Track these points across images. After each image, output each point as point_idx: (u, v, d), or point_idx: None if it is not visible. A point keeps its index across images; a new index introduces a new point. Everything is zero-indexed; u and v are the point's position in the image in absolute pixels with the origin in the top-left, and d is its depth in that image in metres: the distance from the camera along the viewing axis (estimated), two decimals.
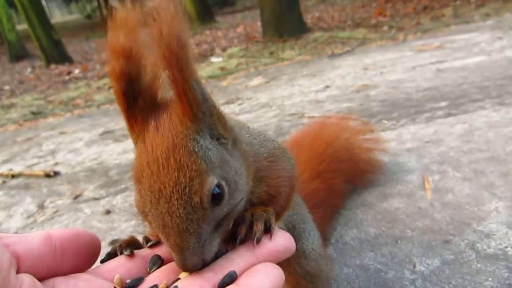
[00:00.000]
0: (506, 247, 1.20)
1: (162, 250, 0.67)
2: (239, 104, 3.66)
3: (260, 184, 0.72)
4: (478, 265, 1.15)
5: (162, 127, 0.58)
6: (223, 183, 0.58)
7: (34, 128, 4.45)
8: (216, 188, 0.56)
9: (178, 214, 0.54)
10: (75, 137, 3.60)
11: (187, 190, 0.54)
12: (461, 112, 2.35)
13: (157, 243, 0.69)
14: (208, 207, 0.56)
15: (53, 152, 3.28)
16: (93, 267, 0.64)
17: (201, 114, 0.58)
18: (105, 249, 1.60)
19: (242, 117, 3.21)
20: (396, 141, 2.11)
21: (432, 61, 3.75)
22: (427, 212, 1.44)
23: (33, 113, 5.38)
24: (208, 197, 0.55)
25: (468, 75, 3.10)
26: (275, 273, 0.57)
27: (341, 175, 1.60)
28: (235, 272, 0.57)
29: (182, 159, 0.55)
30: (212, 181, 0.56)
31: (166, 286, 0.58)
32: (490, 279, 1.10)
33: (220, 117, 0.63)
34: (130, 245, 0.68)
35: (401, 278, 1.17)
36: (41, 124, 4.62)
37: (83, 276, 0.61)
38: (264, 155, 0.75)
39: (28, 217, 2.14)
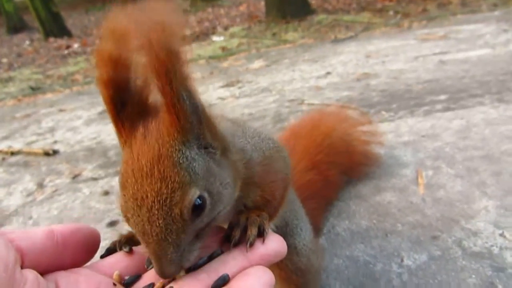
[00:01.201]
0: (491, 246, 1.24)
1: None
2: (239, 87, 3.65)
3: (255, 190, 0.74)
4: (464, 262, 1.19)
5: (150, 135, 0.58)
6: (206, 195, 0.59)
7: (33, 104, 4.45)
8: (198, 200, 0.57)
9: (158, 224, 0.55)
10: (74, 115, 3.61)
11: (168, 201, 0.55)
12: (460, 107, 2.36)
13: None
14: (188, 219, 0.57)
15: (52, 130, 3.29)
16: (92, 261, 0.67)
17: (189, 125, 0.58)
18: (103, 230, 1.63)
19: (242, 101, 3.22)
20: (393, 133, 2.13)
21: (435, 51, 3.73)
22: (418, 207, 1.47)
23: (32, 88, 5.36)
24: (189, 209, 0.56)
25: (470, 68, 3.09)
26: (266, 277, 0.60)
27: (337, 166, 1.63)
28: (227, 275, 0.60)
29: (165, 170, 0.56)
30: (194, 193, 0.57)
31: (162, 285, 0.61)
32: (473, 276, 1.14)
33: (210, 126, 0.62)
34: (129, 241, 0.70)
35: (388, 271, 1.21)
36: (40, 100, 4.62)
37: (83, 271, 0.63)
38: (258, 160, 0.75)
39: (28, 195, 2.18)
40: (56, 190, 2.18)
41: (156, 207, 0.55)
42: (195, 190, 0.57)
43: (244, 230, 0.66)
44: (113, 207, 1.86)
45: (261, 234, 0.66)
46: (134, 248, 0.70)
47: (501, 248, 1.22)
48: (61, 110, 3.89)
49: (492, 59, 3.21)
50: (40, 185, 2.28)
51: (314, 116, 1.86)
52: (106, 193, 2.02)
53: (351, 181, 1.70)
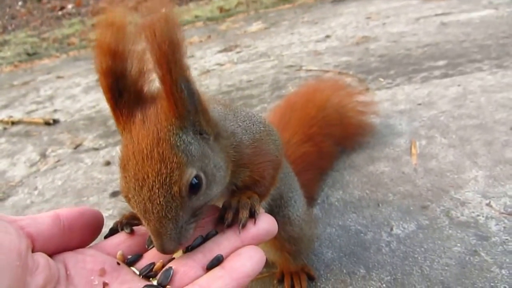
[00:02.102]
0: (478, 215, 1.29)
1: None
2: (237, 52, 3.62)
3: (244, 170, 0.78)
4: (450, 231, 1.25)
5: (148, 120, 0.62)
6: (202, 175, 0.63)
7: (30, 71, 4.43)
8: (195, 179, 0.62)
9: (158, 202, 0.59)
10: (72, 83, 3.61)
11: (167, 181, 0.59)
12: (458, 73, 2.36)
13: None
14: (186, 196, 0.61)
15: (51, 98, 3.31)
16: (97, 241, 0.72)
17: (186, 113, 0.62)
18: (107, 200, 1.69)
19: (240, 67, 3.21)
20: (390, 101, 2.15)
21: (437, 12, 3.65)
22: (410, 178, 1.52)
23: (28, 54, 5.30)
24: (186, 187, 0.61)
25: (472, 31, 3.04)
26: (257, 257, 0.65)
27: (331, 138, 1.66)
28: (222, 256, 0.65)
29: (164, 152, 0.60)
30: (191, 172, 0.61)
31: (162, 264, 0.66)
32: (458, 245, 1.20)
33: (204, 113, 0.66)
34: (130, 222, 0.75)
35: (378, 240, 1.27)
36: (37, 67, 4.59)
37: (89, 251, 0.68)
38: (248, 142, 0.79)
39: (31, 165, 2.23)
40: (59, 161, 2.23)
41: (157, 186, 0.59)
42: (192, 170, 0.61)
43: (236, 213, 0.70)
44: (115, 178, 1.92)
45: (252, 215, 0.70)
46: (135, 228, 0.75)
47: (486, 218, 1.28)
48: (58, 77, 3.88)
49: (494, 21, 3.15)
50: (43, 155, 2.33)
51: (309, 87, 1.87)
52: (108, 163, 2.07)
53: (346, 151, 1.74)
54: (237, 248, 0.67)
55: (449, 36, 3.02)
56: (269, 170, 0.84)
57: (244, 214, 0.69)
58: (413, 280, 1.11)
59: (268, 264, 1.21)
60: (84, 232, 0.69)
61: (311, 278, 1.16)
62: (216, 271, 0.63)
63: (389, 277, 1.13)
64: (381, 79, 2.45)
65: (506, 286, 1.05)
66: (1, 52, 6.39)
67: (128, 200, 0.63)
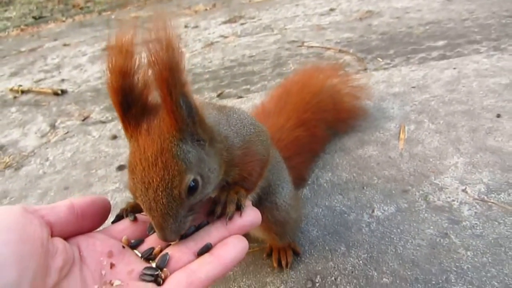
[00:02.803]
0: (453, 200, 1.40)
1: None
2: (241, 24, 3.64)
3: (234, 169, 0.89)
4: (426, 215, 1.37)
5: (153, 131, 0.71)
6: (198, 178, 0.73)
7: (37, 36, 4.47)
8: (192, 183, 0.72)
9: (162, 202, 0.70)
10: (78, 51, 3.67)
11: (169, 185, 0.69)
12: (455, 55, 2.40)
13: None
14: (185, 197, 0.72)
15: (58, 67, 3.38)
16: (105, 226, 0.84)
17: (185, 126, 0.71)
18: (113, 174, 1.80)
19: (243, 41, 3.25)
20: (385, 83, 2.21)
21: None
22: (395, 162, 1.62)
23: (34, 17, 5.31)
24: (185, 190, 0.71)
25: (476, 9, 3.05)
26: (241, 245, 0.77)
27: (324, 123, 1.73)
28: (211, 244, 0.77)
29: (167, 161, 0.69)
30: (189, 178, 0.71)
31: (160, 249, 0.78)
32: (431, 227, 1.32)
33: (201, 123, 0.75)
34: (134, 210, 0.87)
35: (359, 221, 1.39)
36: (44, 32, 4.62)
37: (98, 235, 0.79)
38: (239, 144, 0.89)
39: (42, 136, 2.35)
40: (67, 132, 2.35)
41: (160, 189, 0.69)
42: (190, 175, 0.71)
43: (225, 206, 0.82)
44: (121, 152, 2.04)
45: (238, 209, 0.82)
46: (138, 216, 0.86)
47: (461, 203, 1.39)
48: (65, 45, 3.93)
49: None
50: (53, 126, 2.45)
51: (306, 72, 1.92)
52: (114, 137, 2.18)
53: (338, 134, 1.84)
54: (225, 237, 0.78)
55: (452, 14, 3.03)
56: (256, 168, 0.95)
57: (231, 208, 0.81)
58: (387, 258, 1.24)
59: (259, 240, 1.35)
60: (94, 218, 0.79)
61: (296, 254, 1.29)
62: (205, 257, 0.75)
63: (366, 255, 1.26)
64: (380, 59, 2.50)
65: (469, 266, 1.18)
66: (6, 12, 6.38)
67: (136, 198, 0.74)
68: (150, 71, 0.69)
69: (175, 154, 0.70)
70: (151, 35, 0.68)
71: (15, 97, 2.94)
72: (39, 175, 1.99)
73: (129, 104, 0.72)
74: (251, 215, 0.83)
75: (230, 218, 0.80)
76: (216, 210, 0.81)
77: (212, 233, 0.79)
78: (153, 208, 0.71)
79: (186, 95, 0.69)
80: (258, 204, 1.12)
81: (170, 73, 0.66)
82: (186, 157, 0.71)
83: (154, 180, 0.69)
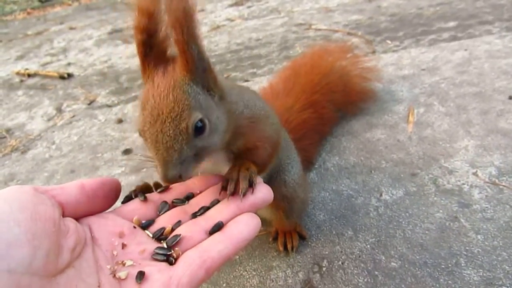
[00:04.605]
0: (463, 184, 1.38)
1: (168, 196, 0.86)
2: (248, 7, 3.58)
3: (239, 138, 0.89)
4: (435, 198, 1.35)
5: (168, 73, 0.75)
6: (206, 120, 0.75)
7: (43, 19, 4.45)
8: (199, 122, 0.73)
9: (168, 134, 0.71)
10: (84, 35, 3.64)
11: (178, 117, 0.71)
12: (467, 36, 2.34)
13: (165, 189, 0.88)
14: (191, 134, 0.73)
15: (64, 51, 3.37)
16: (115, 207, 0.83)
17: (196, 69, 0.74)
18: (119, 157, 1.80)
19: (250, 24, 3.20)
20: (394, 66, 2.17)
21: None
22: (403, 145, 1.59)
23: (40, 1, 5.28)
24: (193, 125, 0.72)
25: None
26: (254, 223, 0.75)
27: (333, 104, 1.71)
28: (222, 222, 0.75)
29: (178, 96, 0.72)
30: (197, 115, 0.73)
31: (171, 228, 0.77)
32: (441, 211, 1.30)
33: (212, 75, 0.78)
34: (144, 191, 0.86)
35: (367, 205, 1.38)
36: (50, 15, 4.60)
37: (109, 215, 0.79)
38: (247, 115, 0.90)
39: (48, 120, 2.35)
40: (74, 116, 2.34)
41: (169, 120, 0.71)
42: (198, 113, 0.73)
43: (237, 183, 0.81)
44: (127, 136, 2.04)
45: (251, 185, 0.81)
46: (148, 196, 0.85)
47: (471, 186, 1.37)
48: (71, 28, 3.91)
49: None
50: (59, 110, 2.45)
51: (315, 53, 1.89)
52: (120, 121, 2.18)
53: (346, 117, 1.81)
54: (236, 215, 0.77)
55: None
56: (265, 146, 0.94)
57: (244, 184, 0.80)
58: (395, 242, 1.23)
59: (265, 223, 1.34)
60: (104, 199, 0.78)
61: (302, 238, 1.28)
62: (217, 236, 0.74)
63: (373, 239, 1.25)
64: (389, 41, 2.45)
65: (479, 250, 1.16)
66: None
67: (143, 133, 0.75)
68: (166, 16, 0.73)
69: (186, 91, 0.73)
70: None
71: (21, 81, 2.93)
72: (45, 158, 1.99)
73: (151, 46, 0.77)
74: (262, 192, 0.82)
75: (244, 195, 0.79)
76: (230, 188, 0.80)
77: (223, 211, 0.78)
78: (159, 141, 0.72)
79: (198, 45, 0.73)
80: (267, 181, 1.11)
81: (183, 15, 0.69)
82: (196, 97, 0.74)
83: (164, 111, 0.72)
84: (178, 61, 0.74)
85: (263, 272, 1.22)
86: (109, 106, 2.38)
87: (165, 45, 0.78)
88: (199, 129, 0.73)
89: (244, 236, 0.73)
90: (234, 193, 0.80)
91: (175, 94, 0.72)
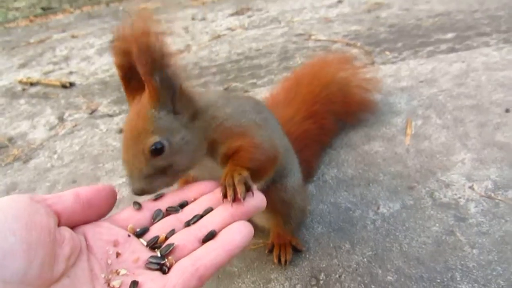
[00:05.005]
0: (459, 197, 1.40)
1: (163, 204, 0.87)
2: (249, 16, 3.61)
3: (221, 146, 0.95)
4: (431, 212, 1.37)
5: (139, 101, 0.86)
6: (166, 143, 0.83)
7: (45, 27, 4.48)
8: (158, 144, 0.82)
9: (131, 155, 0.83)
10: (86, 43, 3.67)
11: (137, 140, 0.82)
12: (464, 47, 2.37)
13: (160, 197, 0.90)
14: (148, 155, 0.82)
15: (66, 59, 3.40)
16: (110, 215, 0.83)
17: (160, 96, 0.82)
18: (120, 167, 1.80)
19: (250, 33, 3.23)
20: (393, 77, 2.19)
21: None
22: (401, 158, 1.61)
23: (42, 8, 5.32)
24: (148, 148, 0.82)
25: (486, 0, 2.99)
26: (246, 230, 0.77)
27: (333, 115, 1.74)
28: (215, 230, 0.77)
29: (140, 121, 0.83)
30: (154, 138, 0.82)
31: (165, 237, 0.79)
32: (437, 225, 1.32)
33: (181, 98, 0.86)
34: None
35: (365, 218, 1.39)
36: (52, 23, 4.63)
37: (104, 224, 0.79)
38: (227, 125, 0.95)
39: (50, 129, 2.38)
40: (76, 125, 2.37)
41: (131, 143, 0.83)
42: (156, 136, 0.82)
43: (234, 189, 0.83)
44: None
45: (248, 189, 0.83)
46: (143, 204, 0.87)
47: (467, 200, 1.38)
48: (73, 36, 3.94)
49: None
50: (61, 119, 2.47)
51: (316, 63, 1.91)
52: (121, 131, 2.19)
53: (344, 128, 1.83)
54: (229, 223, 0.78)
55: (462, 5, 2.98)
56: (249, 149, 0.95)
57: (241, 188, 0.81)
58: (391, 255, 1.24)
59: (263, 235, 1.36)
60: (101, 207, 0.79)
61: (298, 250, 1.30)
62: (210, 244, 0.75)
63: (370, 252, 1.27)
64: (388, 53, 2.48)
65: (474, 264, 1.17)
66: (16, 2, 6.40)
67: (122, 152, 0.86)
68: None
69: (147, 117, 0.83)
70: (135, 24, 0.81)
71: (24, 89, 2.96)
72: (47, 168, 2.01)
73: (131, 78, 0.86)
74: (255, 199, 0.84)
75: (244, 198, 0.81)
76: (229, 193, 0.82)
77: (216, 219, 0.80)
78: (125, 160, 0.85)
79: (165, 74, 0.81)
80: (269, 186, 1.15)
81: (145, 51, 0.78)
82: (156, 122, 0.83)
83: (129, 135, 0.85)
84: (147, 90, 0.84)
85: (261, 285, 1.23)
86: (110, 115, 2.40)
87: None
88: (156, 151, 0.82)
89: (236, 244, 0.75)
90: (235, 199, 0.82)
91: (139, 120, 0.83)
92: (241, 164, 0.92)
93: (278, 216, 1.24)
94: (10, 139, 2.34)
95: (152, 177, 0.84)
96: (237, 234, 0.76)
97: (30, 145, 2.26)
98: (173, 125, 0.85)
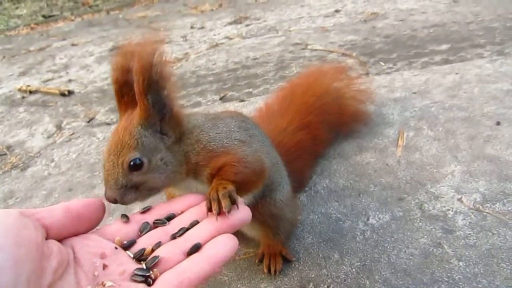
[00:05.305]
0: (448, 210, 1.41)
1: (150, 217, 0.89)
2: (246, 25, 3.65)
3: (205, 169, 0.98)
4: (420, 224, 1.38)
5: (129, 117, 0.89)
6: (145, 160, 0.87)
7: (46, 35, 4.53)
8: (136, 160, 0.86)
9: (111, 164, 0.86)
10: (86, 51, 3.72)
11: (118, 153, 0.86)
12: (458, 59, 2.40)
13: (148, 209, 0.92)
14: (126, 169, 0.86)
15: (66, 67, 3.44)
16: (99, 227, 0.85)
17: (149, 116, 0.87)
18: None
19: (248, 42, 3.27)
20: (387, 88, 2.22)
21: None
22: (392, 169, 1.63)
23: (43, 16, 5.38)
24: (127, 162, 0.86)
25: (481, 11, 3.03)
26: (231, 244, 0.79)
27: (327, 125, 1.75)
28: (200, 243, 0.79)
29: (124, 135, 0.87)
30: (134, 154, 0.86)
31: (151, 250, 0.81)
32: (425, 237, 1.33)
33: (170, 121, 0.90)
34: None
35: (354, 228, 1.41)
36: (53, 31, 4.69)
37: (92, 236, 0.81)
38: (212, 147, 0.98)
39: (48, 137, 2.40)
40: (73, 134, 2.40)
41: (113, 154, 0.87)
42: (136, 153, 0.86)
43: (219, 202, 0.84)
44: None
45: (233, 202, 0.85)
46: (130, 216, 0.89)
47: (455, 212, 1.40)
48: (73, 44, 3.99)
49: (505, 0, 3.11)
50: (59, 127, 2.50)
51: (311, 74, 1.93)
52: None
53: (337, 139, 1.85)
54: (215, 235, 0.80)
55: (457, 16, 3.01)
56: (233, 164, 0.98)
57: (225, 201, 0.83)
58: (380, 266, 1.26)
59: (254, 245, 1.38)
60: (90, 220, 0.81)
61: (288, 260, 1.31)
62: (194, 257, 0.77)
63: (359, 263, 1.28)
64: (382, 63, 2.50)
65: (460, 276, 1.19)
66: (17, 10, 6.46)
67: (103, 158, 0.90)
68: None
69: (132, 133, 0.87)
70: (139, 43, 0.86)
71: (23, 97, 3.00)
72: (44, 176, 2.04)
73: (125, 93, 0.90)
74: (241, 212, 0.85)
75: (229, 212, 0.82)
76: (214, 207, 0.84)
77: (202, 232, 0.82)
78: (104, 167, 0.89)
79: (159, 96, 0.85)
80: (258, 200, 1.17)
81: (142, 74, 0.81)
82: (141, 139, 0.87)
83: (113, 147, 0.88)
84: (138, 108, 0.87)
85: None
86: (108, 124, 2.43)
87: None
88: (134, 166, 0.86)
89: (221, 257, 0.76)
90: (220, 213, 0.83)
91: (124, 134, 0.86)
92: (226, 178, 0.95)
93: (267, 229, 1.26)
94: (9, 147, 2.36)
95: (125, 189, 0.87)
96: (222, 247, 0.78)
97: (27, 153, 2.28)
98: (156, 144, 0.89)
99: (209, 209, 0.85)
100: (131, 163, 0.86)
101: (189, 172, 0.97)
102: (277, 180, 1.21)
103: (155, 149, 0.89)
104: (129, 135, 0.86)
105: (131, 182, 0.87)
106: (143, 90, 0.83)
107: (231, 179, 0.95)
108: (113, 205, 0.91)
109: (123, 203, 0.88)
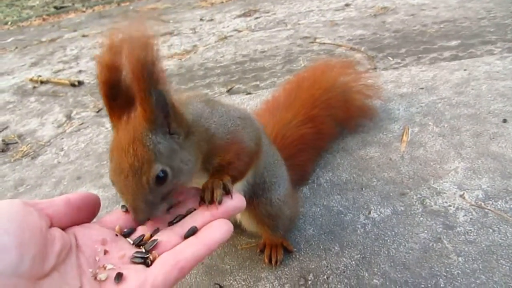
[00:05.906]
0: (449, 205, 1.42)
1: None
2: (256, 18, 3.65)
3: (215, 157, 0.95)
4: (421, 219, 1.39)
5: (129, 123, 0.78)
6: (168, 169, 0.78)
7: (57, 26, 4.58)
8: (161, 173, 0.77)
9: (132, 187, 0.76)
10: (96, 42, 3.75)
11: (138, 172, 0.75)
12: (468, 55, 2.38)
13: None
14: (153, 185, 0.77)
15: (76, 58, 3.48)
16: (98, 218, 0.89)
17: (155, 117, 0.76)
18: None
19: (256, 35, 3.27)
20: (394, 83, 2.21)
21: None
22: (395, 164, 1.64)
23: (55, 7, 5.43)
24: (153, 178, 0.77)
25: (493, 7, 2.99)
26: (226, 228, 0.81)
27: (333, 119, 1.75)
28: (196, 227, 0.82)
29: (137, 149, 0.75)
30: (157, 167, 0.77)
31: (150, 236, 0.84)
32: (425, 232, 1.34)
33: (176, 117, 0.81)
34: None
35: (355, 222, 1.43)
36: (64, 22, 4.73)
37: (93, 225, 0.85)
38: (220, 135, 0.95)
39: (58, 126, 2.45)
40: (82, 123, 2.44)
41: (131, 175, 0.75)
42: (158, 165, 0.77)
43: (213, 192, 0.87)
44: None
45: (228, 193, 0.87)
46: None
47: (457, 208, 1.41)
48: (84, 36, 4.03)
49: None
50: (69, 117, 2.54)
51: (318, 67, 1.91)
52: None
53: (341, 133, 1.86)
54: (210, 221, 0.83)
55: (469, 12, 2.98)
56: (241, 157, 0.99)
57: (218, 192, 0.85)
58: (379, 259, 1.28)
59: (256, 235, 1.40)
60: (88, 212, 0.85)
61: (289, 251, 1.34)
62: (191, 239, 0.80)
63: (358, 256, 1.30)
64: (390, 58, 2.50)
65: (459, 272, 1.20)
66: (30, 1, 6.53)
67: (113, 183, 0.81)
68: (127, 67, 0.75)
69: (145, 144, 0.76)
70: (129, 35, 0.74)
71: (34, 87, 3.05)
72: (53, 165, 2.08)
73: (115, 96, 0.79)
74: (235, 200, 0.88)
75: (220, 202, 0.84)
76: (206, 196, 0.86)
77: (197, 218, 0.85)
78: (124, 192, 0.78)
79: (159, 92, 0.75)
80: (252, 199, 1.18)
81: (142, 70, 0.71)
82: (156, 148, 0.77)
83: (126, 166, 0.76)
84: (139, 111, 0.76)
85: (252, 283, 1.27)
86: None
87: (130, 92, 0.79)
88: (160, 179, 0.77)
89: (216, 240, 0.79)
90: (212, 202, 0.85)
91: (135, 148, 0.75)
92: (230, 173, 0.96)
93: (265, 227, 1.28)
94: (20, 136, 2.42)
95: (155, 203, 0.80)
96: (217, 230, 0.81)
97: (38, 142, 2.33)
98: (172, 147, 0.80)
99: (202, 199, 0.87)
100: (159, 176, 0.78)
101: (202, 162, 0.92)
102: (271, 179, 1.22)
103: (172, 153, 0.80)
104: (142, 146, 0.76)
105: (161, 195, 0.81)
106: (146, 86, 0.73)
107: (233, 174, 0.97)
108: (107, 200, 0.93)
109: (156, 217, 0.82)
